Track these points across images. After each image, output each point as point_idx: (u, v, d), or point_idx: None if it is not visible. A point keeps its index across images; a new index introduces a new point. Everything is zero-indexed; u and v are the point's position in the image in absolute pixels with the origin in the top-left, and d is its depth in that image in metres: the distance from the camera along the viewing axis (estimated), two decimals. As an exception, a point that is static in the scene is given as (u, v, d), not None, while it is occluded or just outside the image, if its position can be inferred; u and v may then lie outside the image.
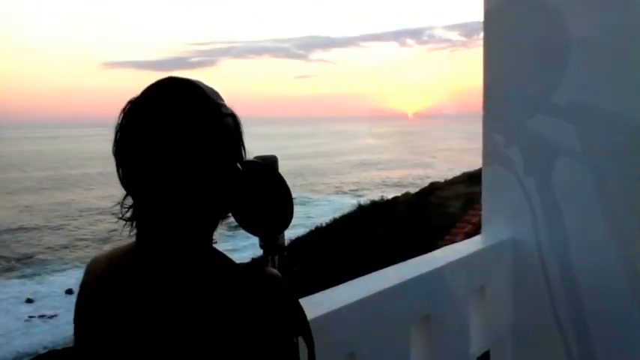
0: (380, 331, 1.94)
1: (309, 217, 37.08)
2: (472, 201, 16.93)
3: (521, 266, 2.77)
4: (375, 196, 29.62)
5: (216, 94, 0.99)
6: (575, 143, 2.61)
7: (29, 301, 23.23)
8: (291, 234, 24.03)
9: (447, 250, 2.59)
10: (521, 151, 2.76)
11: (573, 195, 2.63)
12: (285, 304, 0.95)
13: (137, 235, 0.98)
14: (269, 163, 1.05)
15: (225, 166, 0.96)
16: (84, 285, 1.02)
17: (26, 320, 21.40)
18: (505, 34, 2.76)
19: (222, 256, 0.99)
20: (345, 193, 47.98)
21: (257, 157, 1.05)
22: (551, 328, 2.69)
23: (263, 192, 1.00)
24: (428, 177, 44.56)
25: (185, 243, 0.95)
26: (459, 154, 66.42)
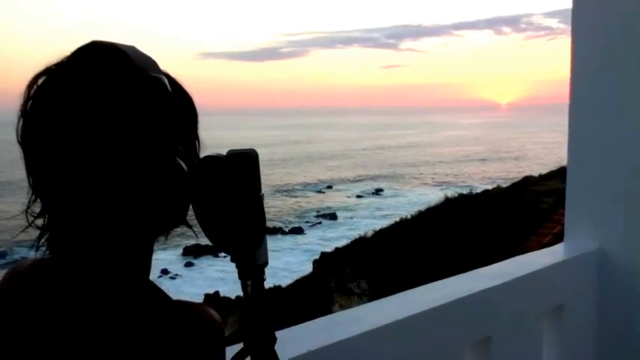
0: (427, 356, 1.69)
1: (396, 208, 36.68)
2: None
3: (609, 283, 2.39)
4: (463, 189, 28.74)
5: (151, 64, 0.76)
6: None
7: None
8: (375, 225, 23.78)
9: (519, 261, 2.27)
10: (611, 146, 2.38)
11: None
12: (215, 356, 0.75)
13: (50, 251, 0.76)
14: (238, 158, 0.78)
15: (165, 158, 0.74)
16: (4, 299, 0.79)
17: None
18: (594, 18, 2.41)
19: (156, 291, 0.78)
20: (432, 185, 46.98)
21: (232, 151, 0.80)
22: (642, 357, 2.30)
23: (223, 195, 0.77)
24: (521, 171, 42.69)
25: (114, 269, 0.74)
26: (554, 147, 63.21)
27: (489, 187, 26.25)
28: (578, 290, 2.37)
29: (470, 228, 16.93)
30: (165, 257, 25.13)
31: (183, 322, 0.74)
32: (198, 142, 0.82)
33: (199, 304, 0.78)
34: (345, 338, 1.45)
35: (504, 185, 24.55)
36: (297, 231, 33.92)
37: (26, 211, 0.75)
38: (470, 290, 1.85)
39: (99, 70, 0.71)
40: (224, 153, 0.80)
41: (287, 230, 34.06)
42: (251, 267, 0.81)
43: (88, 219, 0.72)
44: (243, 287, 0.82)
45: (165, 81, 0.75)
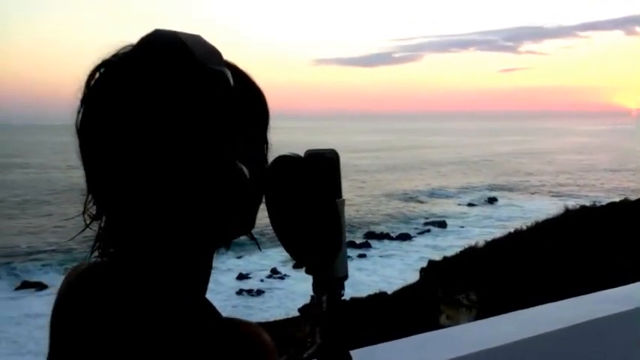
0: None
1: (510, 217, 35.12)
2: None
3: None
4: (586, 200, 26.94)
5: (214, 55, 0.69)
6: None
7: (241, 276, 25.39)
8: (487, 235, 22.88)
9: (615, 294, 2.00)
10: None
11: None
12: None
13: (101, 252, 0.73)
14: (314, 159, 0.70)
15: (223, 158, 0.67)
16: (60, 299, 0.77)
17: (237, 293, 23.67)
18: None
19: (210, 307, 0.72)
20: (550, 195, 44.47)
21: (310, 151, 0.72)
22: None
23: (297, 199, 0.70)
24: (653, 183, 39.23)
25: (172, 281, 0.70)
26: (694, 157, 57.51)
27: (616, 199, 24.35)
28: None
29: (592, 243, 15.76)
30: (275, 257, 25.71)
31: (234, 344, 0.68)
32: (266, 143, 0.76)
33: (252, 324, 0.72)
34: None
35: (633, 198, 22.67)
36: (405, 237, 33.48)
37: (83, 213, 0.73)
38: (588, 316, 1.66)
39: (155, 62, 0.67)
40: (301, 154, 0.73)
41: (394, 236, 33.72)
42: (327, 280, 0.73)
43: (138, 223, 0.69)
44: (318, 303, 0.74)
45: (228, 74, 0.68)
